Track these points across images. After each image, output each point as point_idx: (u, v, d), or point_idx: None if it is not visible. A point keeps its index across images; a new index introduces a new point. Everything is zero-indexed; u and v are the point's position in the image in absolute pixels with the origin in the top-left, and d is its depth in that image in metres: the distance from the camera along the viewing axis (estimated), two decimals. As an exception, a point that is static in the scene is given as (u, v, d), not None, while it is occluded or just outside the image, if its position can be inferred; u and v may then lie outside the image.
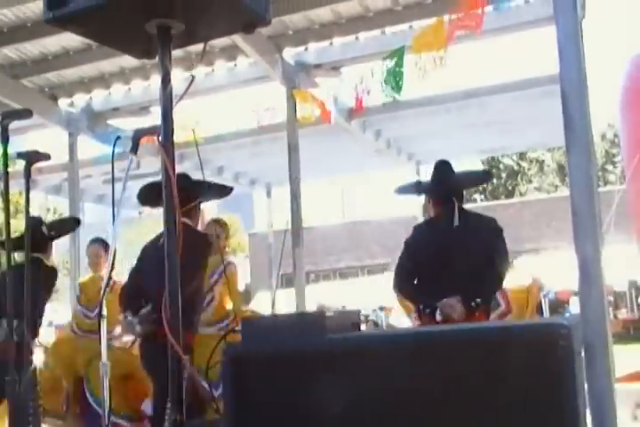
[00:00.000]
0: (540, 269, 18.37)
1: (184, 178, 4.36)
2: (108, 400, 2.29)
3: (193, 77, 6.63)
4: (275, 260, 11.48)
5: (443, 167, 4.76)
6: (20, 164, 2.89)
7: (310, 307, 9.57)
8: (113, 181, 1.93)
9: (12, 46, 6.97)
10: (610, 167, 35.58)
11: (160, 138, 1.76)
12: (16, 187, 4.18)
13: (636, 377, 7.75)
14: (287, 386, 1.54)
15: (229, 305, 5.02)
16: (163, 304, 1.70)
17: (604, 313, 1.96)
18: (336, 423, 1.47)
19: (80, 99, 8.39)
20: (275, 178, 11.59)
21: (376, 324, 18.94)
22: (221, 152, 9.80)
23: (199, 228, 4.12)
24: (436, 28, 5.90)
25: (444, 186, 4.63)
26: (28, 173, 2.70)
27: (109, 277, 1.93)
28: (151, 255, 3.96)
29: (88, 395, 5.14)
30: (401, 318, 15.04)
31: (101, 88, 8.14)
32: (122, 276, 4.87)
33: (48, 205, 27.57)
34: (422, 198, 4.88)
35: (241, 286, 5.87)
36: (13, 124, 2.67)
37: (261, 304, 13.30)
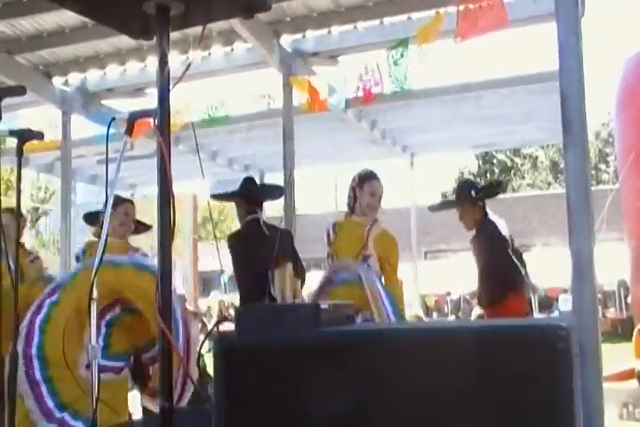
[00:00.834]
0: (530, 265, 18.46)
1: (251, 181, 5.11)
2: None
3: (190, 62, 6.58)
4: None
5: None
6: (12, 141, 2.85)
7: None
8: (107, 163, 1.90)
9: (7, 22, 6.88)
10: (603, 166, 35.71)
11: (156, 121, 1.74)
12: (7, 163, 4.14)
13: (624, 376, 7.82)
14: (279, 377, 1.53)
15: None
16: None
17: (596, 311, 1.96)
18: (328, 416, 1.46)
19: (74, 78, 8.31)
20: (268, 164, 11.57)
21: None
22: (216, 136, 9.76)
23: None
24: (437, 22, 5.88)
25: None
26: (20, 152, 2.66)
27: (101, 260, 1.91)
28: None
29: None
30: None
31: (96, 68, 8.06)
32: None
33: (39, 184, 27.43)
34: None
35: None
36: (5, 101, 2.62)
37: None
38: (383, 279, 4.29)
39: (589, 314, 1.96)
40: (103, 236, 2.04)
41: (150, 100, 8.17)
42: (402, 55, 6.44)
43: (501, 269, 4.91)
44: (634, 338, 8.77)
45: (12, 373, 2.48)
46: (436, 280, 18.63)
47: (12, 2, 6.51)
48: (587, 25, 6.36)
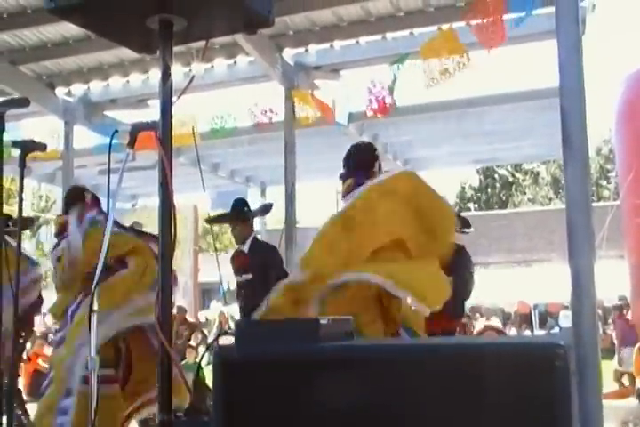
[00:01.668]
0: (531, 281, 18.41)
1: (243, 202, 5.67)
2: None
3: (193, 75, 6.62)
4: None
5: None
6: (15, 151, 2.86)
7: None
8: (109, 175, 1.91)
9: (11, 32, 6.92)
10: (604, 183, 35.71)
11: (159, 134, 1.74)
12: (9, 173, 4.15)
13: (623, 394, 7.79)
14: (277, 391, 1.52)
15: None
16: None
17: (595, 328, 1.96)
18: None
19: (78, 88, 8.34)
20: (269, 177, 11.58)
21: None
22: (218, 149, 9.78)
23: None
24: (446, 36, 5.91)
25: None
26: (22, 163, 2.67)
27: (103, 269, 1.90)
28: None
29: None
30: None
31: (99, 79, 8.10)
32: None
33: (40, 193, 27.47)
34: None
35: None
36: (9, 111, 2.64)
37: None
38: None
39: (589, 331, 1.95)
40: (104, 245, 2.03)
41: (153, 112, 8.20)
42: (399, 69, 6.49)
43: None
44: (634, 355, 8.75)
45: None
46: (436, 295, 18.55)
47: (16, 13, 6.55)
48: (589, 41, 6.38)
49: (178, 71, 7.30)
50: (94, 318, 1.99)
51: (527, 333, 17.67)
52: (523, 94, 8.42)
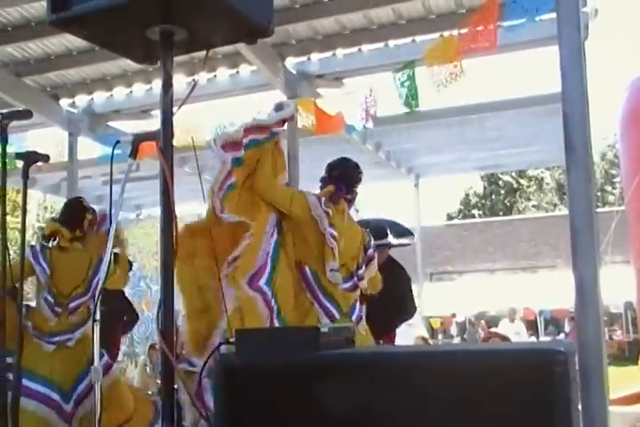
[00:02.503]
0: (536, 287, 18.36)
1: None
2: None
3: (195, 84, 6.65)
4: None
5: None
6: (20, 162, 2.88)
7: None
8: (111, 186, 1.91)
9: (16, 45, 6.96)
10: (609, 188, 35.65)
11: (160, 143, 1.75)
12: (14, 184, 4.18)
13: (631, 400, 7.72)
14: (278, 399, 1.52)
15: None
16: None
17: (600, 335, 1.94)
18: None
19: (81, 99, 8.38)
20: (273, 186, 11.57)
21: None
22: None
23: None
24: (447, 43, 5.91)
25: None
26: (26, 174, 2.69)
27: (105, 280, 1.91)
28: None
29: None
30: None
31: (103, 90, 8.13)
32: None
33: (46, 204, 27.54)
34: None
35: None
36: (13, 123, 2.65)
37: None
38: None
39: (594, 337, 1.94)
40: (108, 251, 2.04)
41: (156, 122, 8.23)
42: (409, 77, 6.48)
43: None
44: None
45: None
46: (442, 302, 18.55)
47: (20, 26, 6.60)
48: (592, 47, 6.37)
49: (180, 81, 7.32)
50: (97, 328, 1.99)
51: (532, 339, 17.62)
52: (526, 100, 8.41)
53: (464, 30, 5.55)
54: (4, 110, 2.83)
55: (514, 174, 37.24)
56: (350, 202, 4.16)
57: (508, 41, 6.54)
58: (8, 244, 2.57)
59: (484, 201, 38.79)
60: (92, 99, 8.39)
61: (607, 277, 2.80)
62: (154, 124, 8.41)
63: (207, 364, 2.25)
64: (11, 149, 2.88)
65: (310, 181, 9.11)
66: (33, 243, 5.08)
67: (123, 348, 8.37)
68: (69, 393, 4.43)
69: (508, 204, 38.09)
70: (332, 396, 1.46)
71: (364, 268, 3.99)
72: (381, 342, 4.86)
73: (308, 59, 7.43)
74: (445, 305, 19.54)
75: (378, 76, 7.53)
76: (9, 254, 2.53)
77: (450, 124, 8.92)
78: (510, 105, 8.50)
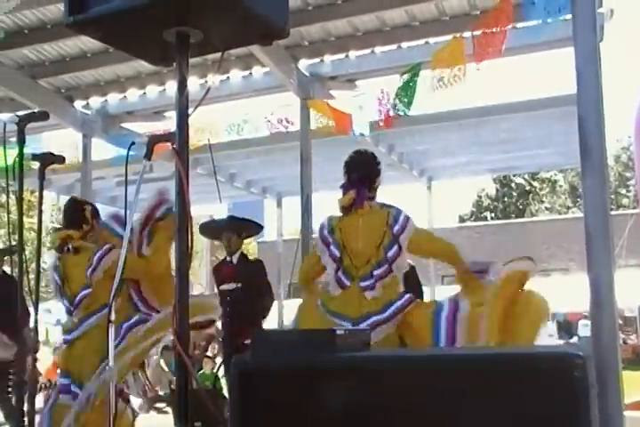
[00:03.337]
0: (549, 290, 18.25)
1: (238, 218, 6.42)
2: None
3: (209, 87, 6.69)
4: (283, 269, 11.48)
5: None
6: (35, 163, 2.90)
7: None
8: (126, 187, 1.92)
9: (32, 47, 7.02)
10: (623, 191, 35.40)
11: (175, 145, 1.76)
12: (28, 185, 4.21)
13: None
14: (294, 402, 1.52)
15: None
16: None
17: (615, 339, 1.93)
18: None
19: (95, 101, 8.42)
20: (285, 188, 11.59)
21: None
22: (234, 159, 9.81)
23: None
24: (455, 46, 5.89)
25: None
26: (42, 175, 2.71)
27: (120, 281, 1.92)
28: None
29: None
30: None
31: (117, 91, 8.17)
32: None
33: (59, 205, 27.70)
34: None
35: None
36: (29, 124, 2.67)
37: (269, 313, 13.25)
38: None
39: (609, 340, 1.93)
40: (122, 256, 2.05)
41: (170, 123, 8.26)
42: (410, 79, 6.47)
43: None
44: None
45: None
46: (454, 304, 18.45)
47: (36, 28, 6.65)
48: (608, 48, 6.31)
49: (194, 83, 7.35)
50: (112, 330, 2.00)
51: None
52: (539, 102, 8.37)
53: (477, 32, 5.52)
54: (20, 112, 2.85)
55: (527, 177, 37.08)
56: (373, 198, 4.24)
57: (523, 42, 6.52)
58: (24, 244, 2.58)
59: (496, 203, 38.65)
60: (106, 100, 8.43)
61: (621, 281, 2.78)
62: (167, 125, 8.45)
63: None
64: (26, 151, 2.90)
65: (323, 182, 9.15)
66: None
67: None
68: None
69: (521, 206, 37.93)
70: (349, 398, 1.46)
71: (385, 267, 4.01)
72: None
73: (321, 60, 7.43)
74: (457, 308, 19.42)
75: (390, 78, 7.52)
76: (25, 255, 2.54)
77: (462, 127, 8.90)
78: (523, 107, 8.45)
